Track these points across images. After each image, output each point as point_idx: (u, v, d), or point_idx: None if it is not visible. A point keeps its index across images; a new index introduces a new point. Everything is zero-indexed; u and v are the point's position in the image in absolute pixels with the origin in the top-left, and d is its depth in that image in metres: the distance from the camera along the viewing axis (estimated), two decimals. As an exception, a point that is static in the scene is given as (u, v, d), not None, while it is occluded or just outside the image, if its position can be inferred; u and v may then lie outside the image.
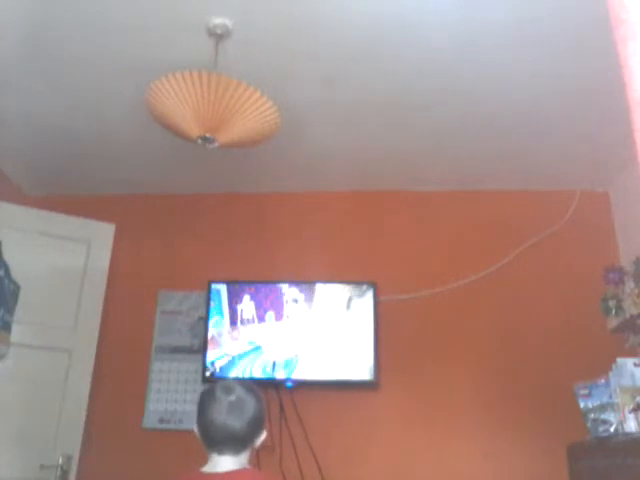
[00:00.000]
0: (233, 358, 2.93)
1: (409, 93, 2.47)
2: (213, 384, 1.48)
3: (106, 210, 3.20)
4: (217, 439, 1.40)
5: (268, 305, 3.01)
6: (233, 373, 2.90)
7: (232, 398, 1.41)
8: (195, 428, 1.46)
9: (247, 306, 3.02)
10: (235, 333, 2.97)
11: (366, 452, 2.85)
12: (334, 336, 2.94)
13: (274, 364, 2.90)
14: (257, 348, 2.94)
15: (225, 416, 1.39)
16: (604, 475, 2.11)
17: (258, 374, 2.89)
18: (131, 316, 3.16)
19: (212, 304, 3.03)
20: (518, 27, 2.07)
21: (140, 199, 3.41)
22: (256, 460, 2.79)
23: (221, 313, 3.01)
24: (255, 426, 1.43)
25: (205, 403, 1.43)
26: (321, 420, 2.90)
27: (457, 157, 2.99)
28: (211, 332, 2.98)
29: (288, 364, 2.90)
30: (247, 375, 2.88)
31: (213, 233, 3.33)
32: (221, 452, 1.40)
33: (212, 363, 2.93)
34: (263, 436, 1.47)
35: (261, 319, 2.99)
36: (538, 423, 2.75)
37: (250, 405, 1.42)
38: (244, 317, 3.00)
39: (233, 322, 2.99)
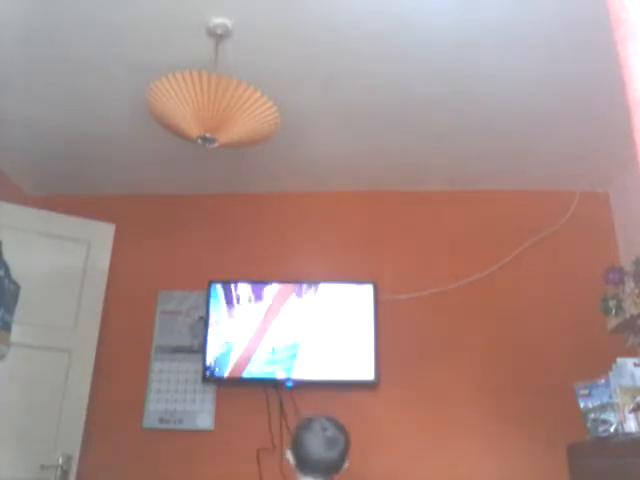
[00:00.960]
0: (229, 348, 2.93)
1: (409, 93, 2.47)
2: (309, 419, 1.79)
3: (106, 210, 3.21)
4: (314, 467, 1.73)
5: (268, 305, 3.01)
6: (234, 368, 2.90)
7: (329, 434, 1.73)
8: (289, 455, 1.77)
9: (247, 306, 3.02)
10: (233, 324, 2.98)
11: (366, 452, 2.85)
12: (334, 336, 2.94)
13: (273, 349, 2.91)
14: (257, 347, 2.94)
15: (324, 449, 1.71)
16: (604, 475, 2.11)
17: (259, 368, 2.89)
18: (131, 316, 3.16)
19: (212, 303, 3.03)
20: (518, 27, 2.07)
21: (140, 199, 3.41)
22: (256, 461, 2.81)
23: (220, 312, 3.02)
24: (344, 457, 1.76)
25: (304, 437, 1.74)
26: (321, 420, 2.89)
27: (457, 157, 2.99)
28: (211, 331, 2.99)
29: (291, 349, 2.90)
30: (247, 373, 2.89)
31: (213, 233, 3.33)
32: (315, 476, 1.73)
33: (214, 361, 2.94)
34: (347, 464, 1.80)
35: (261, 319, 2.99)
36: (538, 423, 2.76)
37: (342, 440, 1.75)
38: (243, 316, 3.01)
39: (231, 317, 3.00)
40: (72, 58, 2.29)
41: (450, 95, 2.48)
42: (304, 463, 1.74)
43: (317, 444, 1.72)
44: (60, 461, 2.66)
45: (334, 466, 1.75)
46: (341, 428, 1.79)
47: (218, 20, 2.06)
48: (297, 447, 1.75)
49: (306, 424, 1.78)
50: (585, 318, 2.84)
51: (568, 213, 3.16)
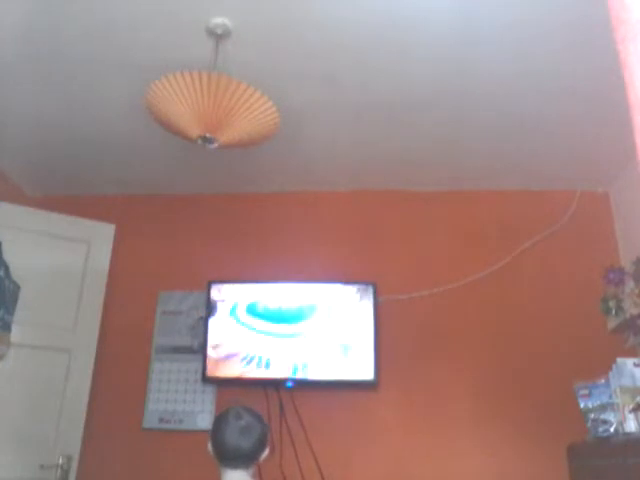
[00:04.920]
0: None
1: (409, 93, 2.47)
2: (225, 411, 1.77)
3: (106, 210, 3.21)
4: (230, 457, 1.71)
5: (268, 305, 3.01)
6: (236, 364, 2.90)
7: (242, 423, 1.71)
8: (209, 447, 1.75)
9: (246, 305, 3.02)
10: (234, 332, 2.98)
11: (366, 452, 2.85)
12: (334, 336, 2.94)
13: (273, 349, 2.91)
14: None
15: (237, 438, 1.69)
16: (604, 475, 2.12)
17: (259, 368, 2.89)
18: (131, 316, 3.16)
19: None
20: (518, 27, 2.07)
21: (140, 199, 3.41)
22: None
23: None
24: (260, 445, 1.74)
25: (219, 427, 1.73)
26: (321, 420, 2.90)
27: (457, 157, 2.99)
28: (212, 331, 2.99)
29: (291, 349, 2.90)
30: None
31: (213, 233, 3.33)
32: (234, 467, 1.71)
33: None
34: (266, 452, 1.78)
35: (261, 318, 2.99)
36: (538, 423, 2.75)
37: (257, 428, 1.73)
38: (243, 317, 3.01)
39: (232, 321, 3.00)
40: (72, 58, 2.28)
41: (450, 94, 2.48)
42: (220, 453, 1.73)
43: (230, 433, 1.70)
44: (60, 461, 2.67)
45: (250, 455, 1.72)
46: (257, 416, 1.77)
47: (218, 20, 2.06)
48: (213, 438, 1.74)
49: (221, 414, 1.77)
50: (585, 318, 2.85)
51: (568, 213, 3.16)
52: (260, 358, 2.92)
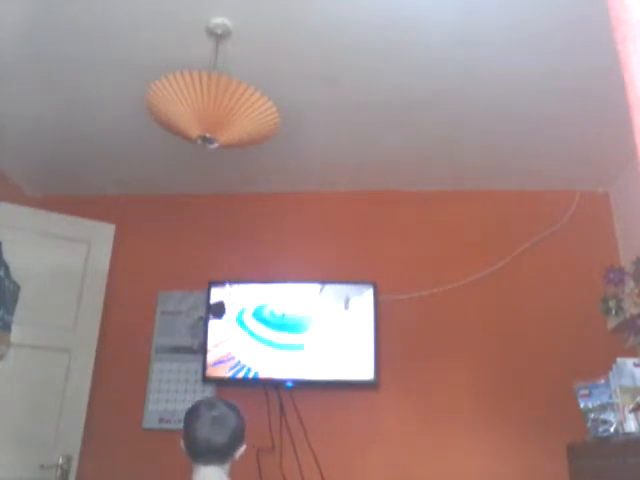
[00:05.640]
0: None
1: (409, 93, 2.47)
2: (197, 401, 1.62)
3: (106, 210, 3.21)
4: (201, 451, 1.54)
5: (267, 305, 3.01)
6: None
7: (215, 413, 1.55)
8: (182, 443, 1.59)
9: (253, 309, 3.01)
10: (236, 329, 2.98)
11: (366, 452, 2.85)
12: (334, 336, 2.94)
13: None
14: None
15: (208, 430, 1.53)
16: (604, 475, 2.12)
17: (259, 368, 2.90)
18: (131, 316, 3.16)
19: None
20: (518, 27, 2.07)
21: (140, 199, 3.41)
22: (256, 461, 2.80)
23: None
24: (235, 439, 1.57)
25: (190, 419, 1.57)
26: (321, 420, 2.90)
27: (457, 157, 2.99)
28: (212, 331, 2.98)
29: (291, 349, 2.90)
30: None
31: (213, 233, 3.33)
32: (207, 463, 1.54)
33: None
34: (243, 448, 1.62)
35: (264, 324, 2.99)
36: (538, 423, 2.75)
37: (231, 420, 1.56)
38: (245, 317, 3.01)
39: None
40: (72, 58, 2.28)
41: (450, 94, 2.48)
42: (191, 448, 1.56)
43: (202, 425, 1.54)
44: (60, 461, 2.66)
45: (224, 450, 1.55)
46: (232, 406, 1.61)
47: (218, 20, 2.06)
48: (184, 431, 1.58)
49: (193, 405, 1.62)
50: (585, 318, 2.85)
51: (568, 213, 3.16)
52: (249, 370, 2.90)
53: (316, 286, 3.03)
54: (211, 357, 2.94)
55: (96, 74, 2.38)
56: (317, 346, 2.92)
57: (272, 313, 2.98)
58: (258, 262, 3.20)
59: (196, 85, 1.91)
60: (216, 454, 1.54)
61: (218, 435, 1.54)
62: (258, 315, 2.99)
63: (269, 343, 2.93)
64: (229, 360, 2.92)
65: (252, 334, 2.96)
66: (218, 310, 3.01)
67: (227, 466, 1.57)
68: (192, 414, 1.58)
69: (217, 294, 3.04)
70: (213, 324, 2.99)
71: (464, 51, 2.21)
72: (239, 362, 2.92)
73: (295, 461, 2.81)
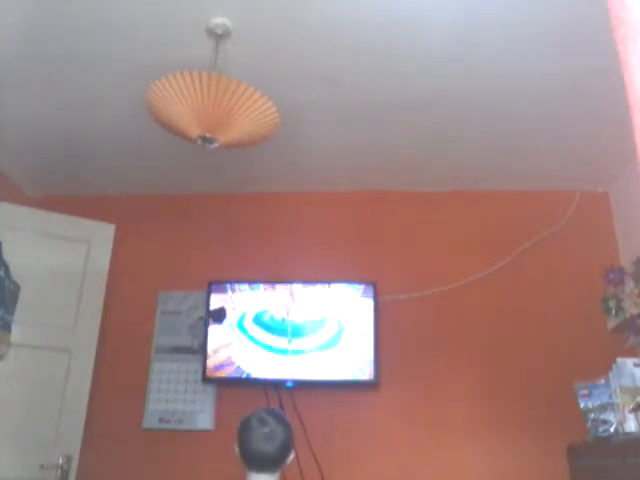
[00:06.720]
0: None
1: (409, 93, 2.47)
2: (249, 416, 1.79)
3: (106, 210, 3.21)
4: (256, 461, 1.74)
5: (268, 305, 3.01)
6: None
7: (266, 430, 1.74)
8: (236, 450, 1.78)
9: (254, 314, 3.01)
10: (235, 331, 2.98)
11: (366, 452, 2.85)
12: (334, 336, 2.93)
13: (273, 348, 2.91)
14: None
15: (261, 444, 1.73)
16: (604, 475, 2.12)
17: (259, 368, 2.89)
18: (131, 316, 3.16)
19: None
20: (518, 27, 2.07)
21: (140, 199, 3.41)
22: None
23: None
24: (285, 450, 1.76)
25: (243, 430, 1.77)
26: (321, 420, 2.90)
27: (457, 157, 2.99)
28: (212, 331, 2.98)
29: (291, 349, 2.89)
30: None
31: (213, 233, 3.33)
32: (259, 471, 1.74)
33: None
34: (292, 456, 1.81)
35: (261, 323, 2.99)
36: (538, 423, 2.75)
37: (280, 433, 1.75)
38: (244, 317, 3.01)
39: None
40: (72, 58, 2.28)
41: (450, 94, 2.48)
42: (246, 457, 1.76)
43: (255, 439, 1.73)
44: (60, 461, 2.66)
45: (276, 460, 1.75)
46: (280, 420, 1.80)
47: (218, 20, 2.06)
48: (239, 444, 1.78)
49: (246, 418, 1.80)
50: (585, 318, 2.85)
51: (568, 213, 3.16)
52: (248, 375, 2.90)
53: (316, 286, 3.03)
54: (211, 362, 2.94)
55: (96, 74, 2.38)
56: (317, 349, 2.92)
57: (272, 318, 2.98)
58: (258, 262, 3.20)
59: (196, 85, 1.91)
60: (269, 464, 1.74)
61: (270, 448, 1.73)
62: (258, 320, 2.98)
63: (269, 348, 2.93)
64: (229, 365, 2.92)
65: (252, 339, 2.95)
66: (219, 315, 3.01)
67: (278, 474, 1.77)
68: (245, 427, 1.77)
69: (218, 299, 3.04)
70: (213, 329, 2.99)
71: (464, 51, 2.21)
72: (239, 367, 2.92)
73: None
